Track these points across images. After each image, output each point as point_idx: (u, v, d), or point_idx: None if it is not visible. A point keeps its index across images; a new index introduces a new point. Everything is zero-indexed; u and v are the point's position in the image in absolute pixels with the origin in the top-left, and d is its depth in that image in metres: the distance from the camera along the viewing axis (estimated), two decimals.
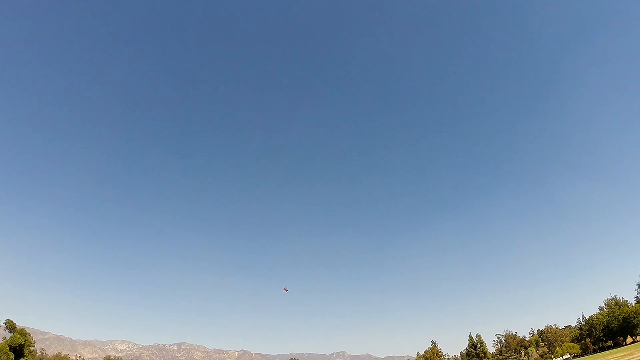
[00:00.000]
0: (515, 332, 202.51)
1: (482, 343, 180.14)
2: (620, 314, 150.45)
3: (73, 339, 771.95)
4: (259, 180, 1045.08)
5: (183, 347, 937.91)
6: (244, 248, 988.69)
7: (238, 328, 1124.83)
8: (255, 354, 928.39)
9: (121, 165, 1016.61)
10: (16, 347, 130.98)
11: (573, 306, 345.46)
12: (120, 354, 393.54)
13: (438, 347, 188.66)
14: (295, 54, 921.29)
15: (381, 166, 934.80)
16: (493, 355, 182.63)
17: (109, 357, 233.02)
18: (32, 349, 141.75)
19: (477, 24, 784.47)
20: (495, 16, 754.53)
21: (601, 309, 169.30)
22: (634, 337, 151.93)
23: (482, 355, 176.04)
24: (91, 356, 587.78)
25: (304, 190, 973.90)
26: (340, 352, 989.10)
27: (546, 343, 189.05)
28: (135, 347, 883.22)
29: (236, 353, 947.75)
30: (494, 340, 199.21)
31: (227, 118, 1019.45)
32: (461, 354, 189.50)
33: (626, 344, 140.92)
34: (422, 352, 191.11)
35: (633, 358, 51.65)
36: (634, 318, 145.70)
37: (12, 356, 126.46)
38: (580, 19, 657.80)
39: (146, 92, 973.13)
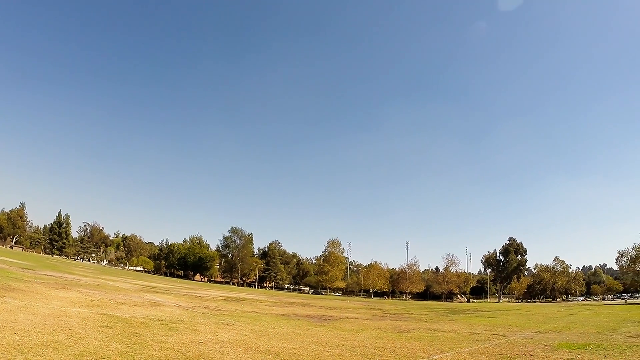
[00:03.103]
0: (102, 228, 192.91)
1: (68, 225, 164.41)
2: (199, 253, 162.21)
3: None
4: None
5: None
6: None
7: None
8: None
9: None
10: None
11: (164, 228, 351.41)
12: None
13: (25, 211, 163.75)
14: None
15: None
16: (74, 240, 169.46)
17: None
18: None
19: None
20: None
21: (185, 241, 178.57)
22: (202, 276, 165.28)
23: (64, 236, 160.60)
24: None
25: None
26: None
27: (126, 249, 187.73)
28: None
29: None
30: (79, 227, 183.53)
31: None
32: (45, 227, 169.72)
33: (194, 280, 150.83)
34: (7, 210, 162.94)
35: (195, 291, 49.92)
36: (208, 262, 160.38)
37: None
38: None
39: None
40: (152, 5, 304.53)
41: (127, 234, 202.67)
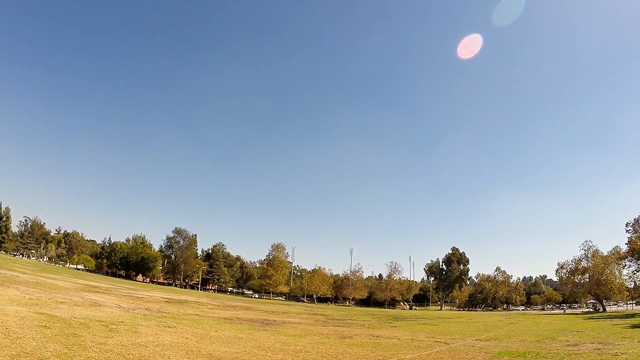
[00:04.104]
0: (44, 223, 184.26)
1: (8, 218, 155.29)
2: (142, 253, 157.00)
3: None
4: None
5: None
6: None
7: None
8: None
9: None
10: None
11: (107, 225, 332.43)
12: None
13: None
14: None
15: None
16: (14, 235, 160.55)
17: None
18: None
19: None
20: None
21: (128, 240, 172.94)
22: (144, 277, 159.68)
23: (4, 230, 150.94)
24: None
25: None
26: None
27: (67, 246, 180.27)
28: None
29: None
30: (20, 221, 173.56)
31: None
32: None
33: (136, 280, 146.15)
34: None
35: (137, 292, 49.67)
36: (151, 262, 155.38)
37: None
38: None
39: None
40: None
41: (69, 231, 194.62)
